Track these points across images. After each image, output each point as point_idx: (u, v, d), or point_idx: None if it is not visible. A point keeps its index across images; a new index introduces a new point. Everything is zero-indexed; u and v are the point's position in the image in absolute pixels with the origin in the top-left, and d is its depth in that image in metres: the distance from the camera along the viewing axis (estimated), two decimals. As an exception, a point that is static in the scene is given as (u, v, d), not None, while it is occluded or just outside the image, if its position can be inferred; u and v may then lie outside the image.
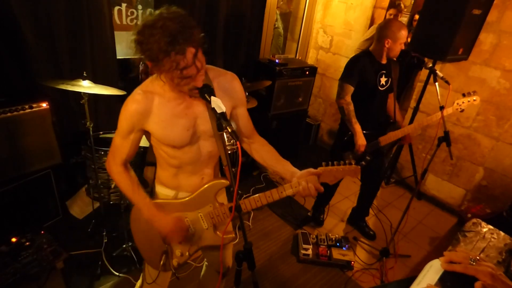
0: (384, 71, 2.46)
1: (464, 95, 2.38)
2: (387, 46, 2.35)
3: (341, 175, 1.38)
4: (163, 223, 1.37)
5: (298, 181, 1.29)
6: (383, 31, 2.35)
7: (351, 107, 2.42)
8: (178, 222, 1.39)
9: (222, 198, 1.53)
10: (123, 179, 1.37)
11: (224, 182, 1.40)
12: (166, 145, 1.32)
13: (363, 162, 2.56)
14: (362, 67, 2.41)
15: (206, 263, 1.83)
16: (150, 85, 1.26)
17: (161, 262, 1.46)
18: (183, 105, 1.27)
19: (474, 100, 2.37)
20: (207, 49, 1.17)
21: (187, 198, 1.41)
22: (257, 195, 1.34)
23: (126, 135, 1.29)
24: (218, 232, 1.46)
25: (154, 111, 1.24)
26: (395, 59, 2.45)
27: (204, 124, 1.32)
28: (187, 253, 1.49)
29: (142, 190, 1.37)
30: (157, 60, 1.07)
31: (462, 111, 2.39)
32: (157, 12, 1.08)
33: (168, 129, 1.27)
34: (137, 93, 1.24)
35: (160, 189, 1.49)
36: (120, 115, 1.27)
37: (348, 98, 2.41)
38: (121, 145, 1.32)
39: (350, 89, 2.41)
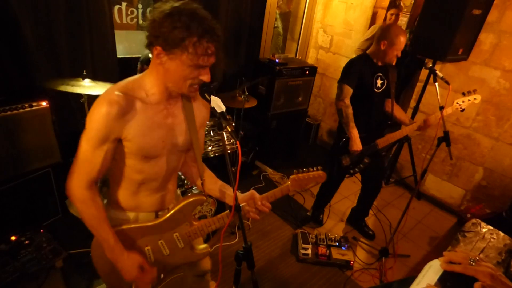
0: (380, 74, 2.47)
1: (464, 94, 2.37)
2: (382, 48, 2.35)
3: (311, 182, 1.48)
4: (133, 269, 1.23)
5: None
6: (382, 33, 2.36)
7: (350, 110, 2.41)
8: (148, 269, 1.28)
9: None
10: (87, 208, 1.14)
11: (202, 198, 1.34)
12: (137, 157, 1.18)
13: (361, 165, 2.57)
14: (360, 69, 2.42)
15: (181, 273, 1.69)
16: (130, 86, 1.13)
17: None
18: (163, 113, 1.19)
19: (475, 99, 2.37)
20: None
21: (160, 220, 1.30)
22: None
23: (99, 144, 1.09)
24: (195, 249, 1.41)
25: (134, 117, 1.11)
26: (393, 63, 2.45)
27: (177, 137, 1.25)
28: (161, 275, 1.40)
29: (108, 225, 1.19)
30: (183, 46, 1.02)
31: (462, 110, 2.39)
32: (177, 3, 1.05)
33: (146, 138, 1.15)
34: (115, 94, 1.07)
35: (115, 214, 1.30)
36: (92, 118, 1.07)
37: (348, 100, 2.41)
38: (91, 158, 1.10)
39: (349, 91, 2.41)
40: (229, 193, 1.43)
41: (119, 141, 1.14)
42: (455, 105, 2.36)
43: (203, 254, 1.43)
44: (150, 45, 1.08)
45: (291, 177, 1.44)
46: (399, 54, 2.36)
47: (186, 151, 1.34)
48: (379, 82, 2.48)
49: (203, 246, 1.44)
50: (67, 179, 1.13)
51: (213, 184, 1.45)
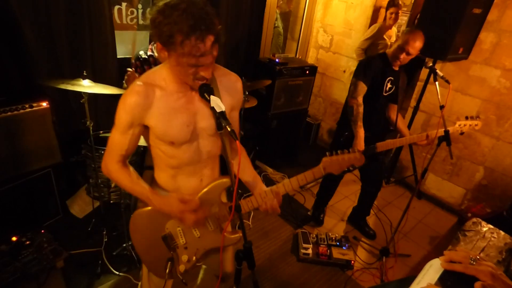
0: (392, 78, 2.44)
1: (467, 118, 2.35)
2: (397, 52, 2.31)
3: (346, 164, 1.41)
4: (174, 204, 1.26)
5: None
6: (403, 36, 2.31)
7: (361, 109, 2.38)
8: (188, 199, 1.29)
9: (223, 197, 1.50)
10: (122, 175, 1.28)
11: (227, 181, 1.37)
12: (165, 143, 1.25)
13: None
14: (376, 69, 2.39)
15: (204, 266, 1.74)
16: (152, 76, 1.21)
17: (167, 270, 1.37)
18: (184, 100, 1.22)
19: (476, 125, 2.35)
20: (223, 42, 1.13)
21: (195, 197, 1.34)
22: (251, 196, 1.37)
23: (125, 129, 1.20)
24: (225, 233, 1.41)
25: (155, 104, 1.18)
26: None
27: (204, 121, 1.27)
28: (194, 258, 1.43)
29: (143, 182, 1.29)
30: (173, 43, 1.03)
31: (462, 133, 2.38)
32: None
33: (169, 124, 1.21)
34: (137, 84, 1.17)
35: (159, 192, 1.37)
36: (119, 108, 1.18)
37: (361, 99, 2.37)
38: (119, 141, 1.23)
39: (364, 88, 2.37)
40: (259, 187, 1.44)
41: (145, 127, 1.23)
42: (456, 126, 2.34)
43: (235, 238, 1.42)
44: (151, 41, 1.12)
45: (323, 159, 1.38)
46: (406, 55, 2.33)
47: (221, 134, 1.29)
48: (388, 86, 2.46)
49: (235, 235, 1.44)
50: (103, 160, 1.29)
51: (245, 169, 1.47)
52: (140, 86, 1.16)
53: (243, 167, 1.45)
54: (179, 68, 1.12)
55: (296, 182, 1.40)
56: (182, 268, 1.42)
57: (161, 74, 1.20)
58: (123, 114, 1.18)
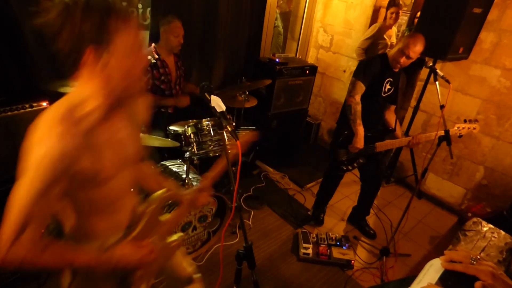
0: (391, 79, 2.45)
1: (465, 121, 2.38)
2: (398, 55, 2.32)
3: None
4: (128, 253, 1.09)
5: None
6: (403, 40, 2.33)
7: (359, 107, 2.40)
8: (143, 243, 1.16)
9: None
10: (52, 252, 0.93)
11: (165, 194, 1.25)
12: (90, 185, 1.00)
13: (355, 164, 2.57)
14: (376, 69, 2.40)
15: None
16: (73, 108, 0.91)
17: None
18: (112, 129, 1.02)
19: (474, 128, 2.38)
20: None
21: (136, 231, 1.19)
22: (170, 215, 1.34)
23: (49, 189, 0.87)
24: (169, 244, 1.36)
25: (83, 144, 0.90)
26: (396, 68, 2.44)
27: (129, 149, 1.09)
28: (150, 283, 1.32)
29: (74, 247, 1.01)
30: (106, 42, 0.87)
31: (460, 136, 2.39)
32: None
33: (101, 163, 0.97)
34: (56, 125, 0.86)
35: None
36: (35, 163, 0.86)
37: (358, 97, 2.39)
38: (41, 209, 0.88)
39: (362, 88, 2.39)
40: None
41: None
42: (455, 129, 2.36)
43: (179, 241, 1.37)
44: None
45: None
46: (405, 59, 2.33)
47: (139, 160, 1.21)
48: (387, 87, 2.47)
49: (174, 237, 1.38)
50: (2, 245, 0.84)
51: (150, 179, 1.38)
52: (62, 127, 0.86)
53: (148, 177, 1.35)
54: (127, 62, 0.92)
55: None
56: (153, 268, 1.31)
57: (84, 102, 0.93)
58: (46, 169, 0.85)
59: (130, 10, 0.94)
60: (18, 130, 2.14)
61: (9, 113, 2.06)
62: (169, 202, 1.36)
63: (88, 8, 0.85)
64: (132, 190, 1.23)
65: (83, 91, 0.95)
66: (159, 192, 1.26)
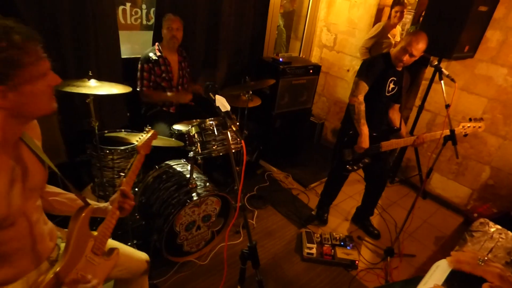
0: (395, 78, 2.44)
1: (470, 119, 2.35)
2: (401, 53, 2.31)
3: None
4: None
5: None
6: (406, 38, 2.31)
7: (362, 107, 2.39)
8: (78, 277, 1.10)
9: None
10: None
11: (88, 209, 1.20)
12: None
13: (360, 164, 2.56)
14: (379, 69, 2.38)
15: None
16: None
17: None
18: (10, 166, 0.93)
19: (479, 127, 2.35)
20: None
21: (67, 258, 1.12)
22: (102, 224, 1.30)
23: None
24: (111, 256, 1.31)
25: None
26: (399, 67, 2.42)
27: (33, 180, 1.02)
28: None
29: None
30: (24, 65, 0.86)
31: (465, 135, 2.37)
32: None
33: (9, 205, 0.91)
34: None
35: None
36: None
37: (361, 97, 2.38)
38: None
39: (365, 88, 2.37)
40: (71, 199, 1.32)
41: None
42: (460, 128, 2.34)
43: (116, 255, 1.32)
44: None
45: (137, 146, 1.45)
46: (409, 57, 2.31)
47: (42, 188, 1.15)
48: (391, 86, 2.45)
49: (112, 248, 1.34)
50: None
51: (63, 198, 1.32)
52: None
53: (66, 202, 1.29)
54: (37, 93, 0.92)
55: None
56: None
57: None
58: None
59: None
60: (24, 130, 2.15)
61: (15, 113, 2.07)
62: (95, 217, 1.30)
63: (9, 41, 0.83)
64: (40, 221, 1.13)
65: None
66: (78, 211, 1.20)
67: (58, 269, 1.08)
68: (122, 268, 1.40)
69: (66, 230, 1.19)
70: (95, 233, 1.26)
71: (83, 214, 1.18)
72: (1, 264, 0.98)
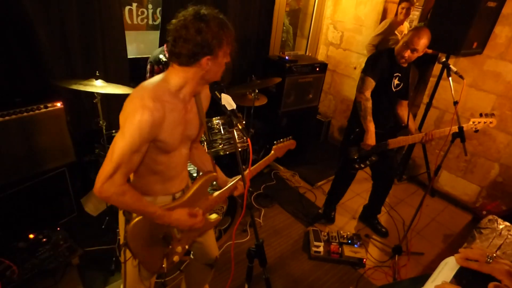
0: (399, 74, 2.42)
1: (481, 115, 2.32)
2: (402, 49, 2.30)
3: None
4: (184, 220, 1.36)
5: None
6: (408, 33, 2.30)
7: (369, 104, 2.37)
8: (195, 212, 1.42)
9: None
10: (133, 197, 1.22)
11: (214, 174, 1.53)
12: (161, 152, 1.28)
13: (367, 162, 2.55)
14: (384, 63, 2.37)
15: (191, 257, 1.86)
16: (160, 92, 1.19)
17: (164, 265, 1.48)
18: (184, 111, 1.28)
19: (491, 122, 2.32)
20: None
21: (185, 198, 1.44)
22: (217, 193, 1.58)
23: (137, 148, 1.16)
24: (209, 219, 1.59)
25: (166, 119, 1.19)
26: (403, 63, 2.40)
27: (192, 129, 1.37)
28: (186, 247, 1.55)
29: (147, 201, 1.28)
30: (220, 47, 1.15)
31: (476, 131, 2.34)
32: (206, 10, 1.15)
33: (172, 136, 1.25)
34: (151, 102, 1.14)
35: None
36: (131, 126, 1.12)
37: (368, 94, 2.37)
38: (129, 160, 1.16)
39: (372, 83, 2.36)
40: (204, 160, 1.64)
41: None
42: (470, 123, 2.31)
43: (216, 220, 1.62)
44: (195, 58, 1.14)
45: (274, 147, 1.81)
46: (411, 53, 2.29)
47: (197, 139, 1.50)
48: (396, 82, 2.43)
49: (214, 216, 1.62)
50: (100, 180, 1.14)
51: (206, 163, 1.65)
52: (155, 105, 1.14)
53: (205, 160, 1.63)
54: (217, 69, 1.22)
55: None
56: (176, 258, 1.53)
57: (169, 89, 1.22)
58: (138, 132, 1.12)
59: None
60: (34, 130, 2.19)
61: (25, 113, 2.11)
62: (213, 183, 1.60)
63: (210, 23, 1.13)
64: (184, 164, 1.47)
65: (171, 82, 1.22)
66: (207, 172, 1.52)
67: (176, 204, 1.41)
68: (203, 240, 1.68)
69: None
70: (210, 196, 1.55)
71: (206, 177, 1.51)
72: (152, 179, 1.36)
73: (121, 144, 1.13)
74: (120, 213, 1.44)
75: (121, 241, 1.39)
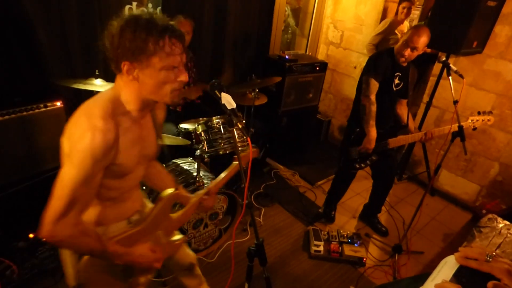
0: (400, 73, 2.42)
1: (479, 113, 2.33)
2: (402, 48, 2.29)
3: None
4: (144, 256, 1.20)
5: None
6: (407, 32, 2.29)
7: (374, 108, 2.35)
8: (156, 248, 1.26)
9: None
10: (88, 238, 1.03)
11: (176, 193, 1.32)
12: (116, 176, 1.12)
13: (368, 161, 2.55)
14: (386, 63, 2.36)
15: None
16: (111, 108, 1.03)
17: None
18: (139, 129, 1.15)
19: (489, 120, 2.33)
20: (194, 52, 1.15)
21: (146, 222, 1.25)
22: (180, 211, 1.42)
23: (92, 178, 1.00)
24: (172, 241, 1.41)
25: (120, 141, 1.04)
26: (404, 63, 2.40)
27: (149, 148, 1.23)
28: (149, 277, 1.40)
29: (104, 239, 1.09)
30: (147, 51, 0.98)
31: (474, 129, 2.35)
32: (146, 16, 1.02)
33: (129, 159, 1.11)
34: (98, 120, 0.98)
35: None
36: (80, 153, 0.96)
37: (373, 97, 2.34)
38: (85, 194, 1.00)
39: (376, 86, 2.34)
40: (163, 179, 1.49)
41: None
42: (469, 121, 2.32)
43: (181, 240, 1.43)
44: (116, 64, 1.04)
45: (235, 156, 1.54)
46: (411, 51, 2.29)
47: (154, 158, 1.35)
48: (396, 81, 2.43)
49: (178, 237, 1.44)
50: (50, 221, 0.97)
51: (164, 179, 1.49)
52: (104, 123, 0.98)
53: (164, 177, 1.48)
54: (154, 82, 1.04)
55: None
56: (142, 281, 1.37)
57: (119, 104, 1.07)
58: (90, 159, 0.96)
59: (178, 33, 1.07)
60: (34, 130, 2.19)
61: (25, 113, 2.11)
62: (177, 202, 1.46)
63: (134, 24, 1.00)
64: (139, 185, 1.34)
65: (121, 96, 1.08)
66: (169, 190, 1.31)
67: (136, 230, 1.21)
68: (172, 260, 1.57)
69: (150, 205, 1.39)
70: (174, 216, 1.38)
71: (168, 197, 1.30)
72: (103, 207, 1.19)
73: (71, 175, 0.97)
74: (66, 250, 1.23)
75: (73, 284, 1.19)
